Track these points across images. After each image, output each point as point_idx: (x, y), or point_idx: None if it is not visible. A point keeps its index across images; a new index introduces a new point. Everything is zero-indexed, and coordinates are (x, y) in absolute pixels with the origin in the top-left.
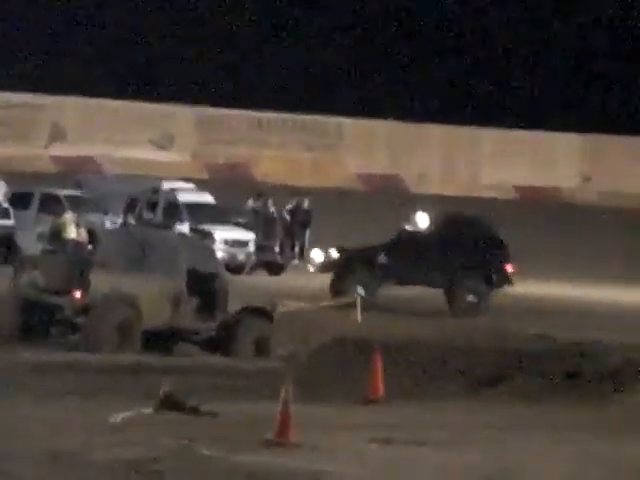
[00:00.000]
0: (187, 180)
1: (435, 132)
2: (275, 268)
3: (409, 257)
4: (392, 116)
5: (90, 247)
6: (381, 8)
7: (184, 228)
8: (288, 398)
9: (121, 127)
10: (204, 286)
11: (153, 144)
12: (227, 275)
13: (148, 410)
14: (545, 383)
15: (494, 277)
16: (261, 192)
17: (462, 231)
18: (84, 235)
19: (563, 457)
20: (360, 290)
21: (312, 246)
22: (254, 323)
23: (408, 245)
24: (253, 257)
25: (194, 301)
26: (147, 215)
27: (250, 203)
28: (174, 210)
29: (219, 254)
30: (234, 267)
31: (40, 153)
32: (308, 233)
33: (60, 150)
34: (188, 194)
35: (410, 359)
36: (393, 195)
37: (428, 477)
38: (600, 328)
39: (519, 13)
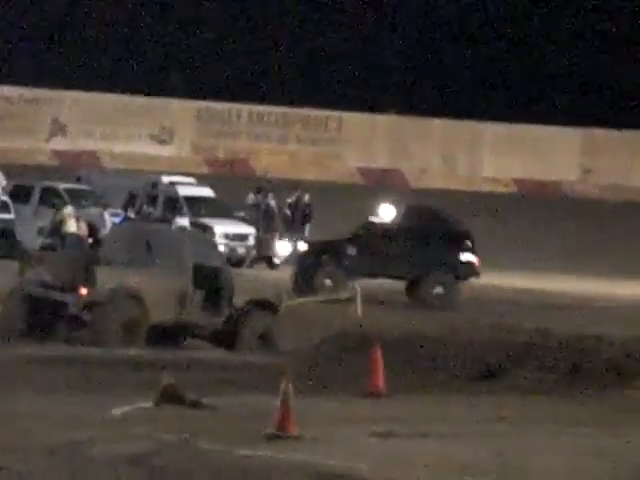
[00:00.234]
0: (187, 174)
1: (435, 126)
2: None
3: (376, 249)
4: (393, 110)
5: (90, 240)
6: (381, 1)
7: (184, 222)
8: (288, 392)
9: (121, 121)
10: (210, 281)
11: (153, 138)
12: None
13: (148, 404)
14: (546, 377)
15: (461, 269)
16: (261, 186)
17: (429, 223)
18: (84, 229)
19: (564, 450)
20: (329, 282)
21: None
22: (260, 316)
23: (375, 237)
24: (253, 251)
25: (200, 296)
26: (147, 209)
27: (250, 197)
28: (174, 204)
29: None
30: (234, 261)
31: (40, 147)
32: (308, 227)
33: (60, 144)
34: (188, 188)
35: (410, 353)
36: (393, 189)
37: (429, 470)
38: (601, 322)
39: (517, 6)
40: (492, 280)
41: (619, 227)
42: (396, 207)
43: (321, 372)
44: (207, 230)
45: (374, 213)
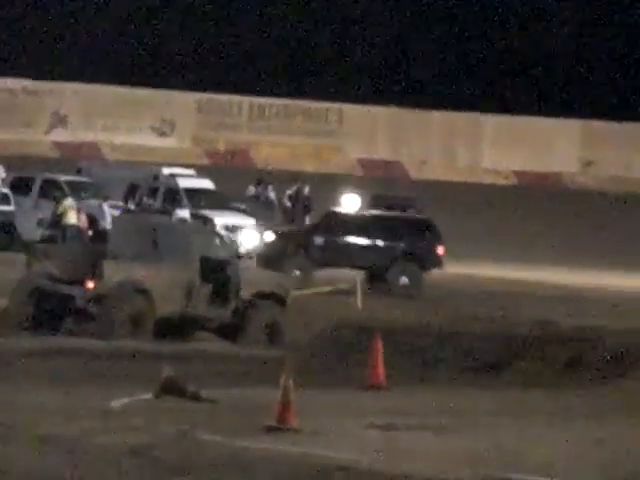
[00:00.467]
0: (188, 166)
1: (435, 118)
2: None
3: (342, 239)
4: (393, 102)
5: (90, 232)
6: None
7: (184, 214)
8: (289, 384)
9: (122, 113)
10: (216, 273)
11: (154, 130)
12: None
13: (148, 396)
14: (547, 368)
15: (426, 259)
16: (261, 178)
17: (394, 213)
18: (84, 221)
19: (563, 442)
20: (297, 272)
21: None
22: (267, 308)
23: (340, 227)
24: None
25: (207, 288)
26: (147, 201)
27: (251, 189)
28: (174, 196)
29: None
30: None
31: (41, 139)
32: (308, 219)
33: (61, 136)
34: (188, 180)
35: (411, 345)
36: (393, 181)
37: (429, 462)
38: (601, 313)
39: (517, 1)
40: (490, 272)
41: (620, 219)
42: (361, 197)
43: (321, 364)
44: (207, 222)
45: (337, 203)
